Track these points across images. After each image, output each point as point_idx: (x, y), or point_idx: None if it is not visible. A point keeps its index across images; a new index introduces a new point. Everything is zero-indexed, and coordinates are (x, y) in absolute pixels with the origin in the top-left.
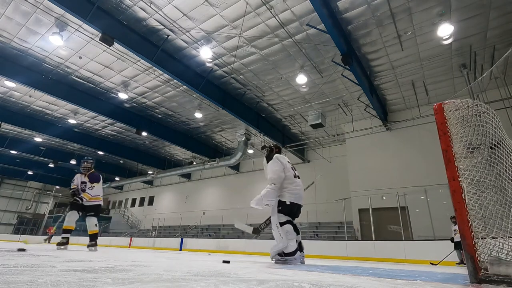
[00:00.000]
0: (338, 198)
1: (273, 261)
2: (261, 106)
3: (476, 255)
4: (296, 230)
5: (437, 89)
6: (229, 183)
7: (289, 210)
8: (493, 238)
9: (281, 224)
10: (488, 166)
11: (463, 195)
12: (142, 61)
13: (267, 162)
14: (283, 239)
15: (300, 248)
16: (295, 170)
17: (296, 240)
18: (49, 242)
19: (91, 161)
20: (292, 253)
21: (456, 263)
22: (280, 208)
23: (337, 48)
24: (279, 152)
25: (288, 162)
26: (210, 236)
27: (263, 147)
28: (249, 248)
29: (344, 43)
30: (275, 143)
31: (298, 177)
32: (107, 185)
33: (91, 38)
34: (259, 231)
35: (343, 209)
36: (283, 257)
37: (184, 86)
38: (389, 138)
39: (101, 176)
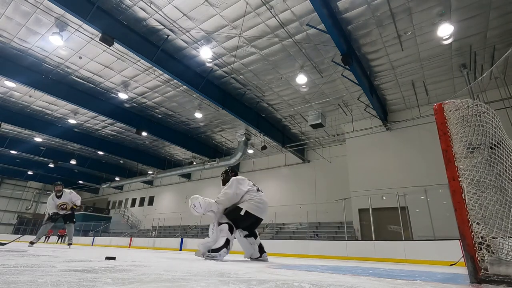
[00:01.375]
0: (338, 198)
1: (203, 258)
2: (261, 106)
3: (476, 255)
4: (253, 235)
5: (437, 89)
6: None
7: (238, 217)
8: (493, 238)
9: (220, 223)
10: (488, 166)
11: (463, 195)
12: (142, 61)
13: (223, 185)
14: (214, 236)
15: (261, 250)
16: (257, 186)
17: (256, 243)
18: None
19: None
20: (218, 250)
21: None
22: (228, 211)
23: (337, 48)
24: (236, 175)
25: (249, 180)
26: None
27: (264, 147)
28: None
29: (344, 43)
30: (231, 167)
31: (261, 191)
32: (107, 185)
33: (91, 38)
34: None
35: (343, 209)
36: (211, 253)
37: (184, 86)
38: (389, 138)
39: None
